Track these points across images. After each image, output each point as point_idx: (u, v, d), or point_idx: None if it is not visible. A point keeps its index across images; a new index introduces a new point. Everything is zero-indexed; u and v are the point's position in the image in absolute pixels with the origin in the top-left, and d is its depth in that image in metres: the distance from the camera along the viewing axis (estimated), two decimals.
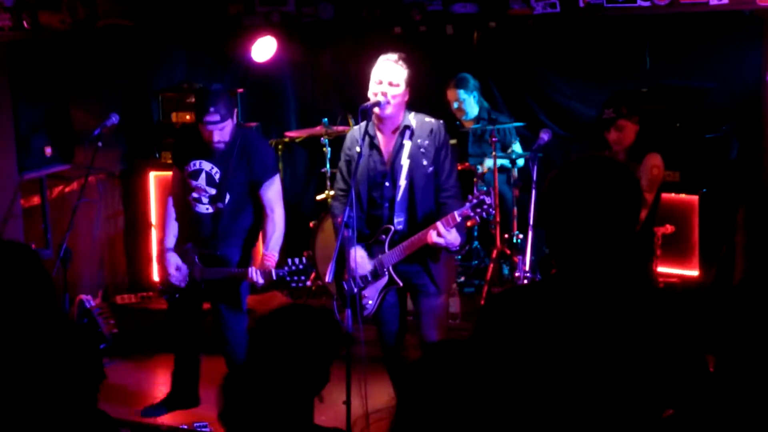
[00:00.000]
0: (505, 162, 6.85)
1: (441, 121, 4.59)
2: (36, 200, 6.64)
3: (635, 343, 2.21)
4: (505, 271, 6.80)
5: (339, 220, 4.53)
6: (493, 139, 6.57)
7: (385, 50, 7.35)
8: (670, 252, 5.84)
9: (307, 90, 8.01)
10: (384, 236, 4.53)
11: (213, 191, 4.98)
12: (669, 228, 5.47)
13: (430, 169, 4.50)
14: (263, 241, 5.11)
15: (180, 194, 5.14)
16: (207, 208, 5.01)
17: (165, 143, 7.12)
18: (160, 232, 5.24)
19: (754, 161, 6.44)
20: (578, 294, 2.24)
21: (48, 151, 6.45)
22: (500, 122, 6.83)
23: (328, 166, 7.00)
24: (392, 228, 4.52)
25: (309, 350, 2.43)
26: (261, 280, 4.92)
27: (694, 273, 6.15)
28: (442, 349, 2.14)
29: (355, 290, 4.49)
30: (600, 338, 2.21)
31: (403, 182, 4.48)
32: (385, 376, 4.73)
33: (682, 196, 6.11)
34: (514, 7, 6.10)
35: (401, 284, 4.53)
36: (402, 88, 4.46)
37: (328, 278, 4.54)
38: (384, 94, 4.41)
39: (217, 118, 4.84)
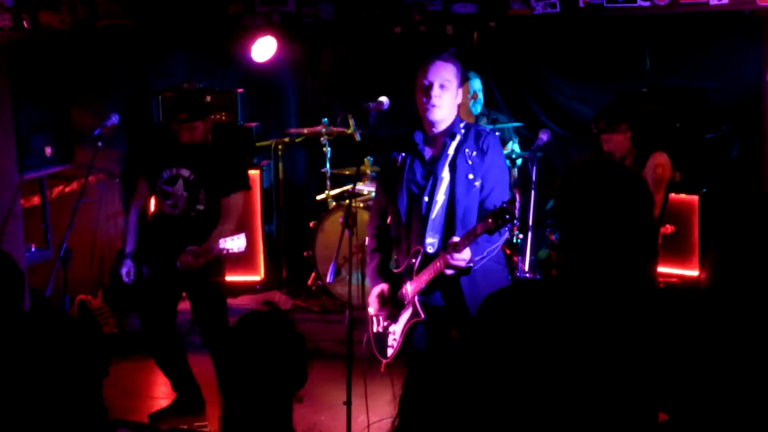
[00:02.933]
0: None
1: (493, 130, 4.24)
2: (36, 200, 6.63)
3: (635, 345, 2.20)
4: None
5: (340, 220, 4.46)
6: None
7: (385, 50, 7.47)
8: (670, 252, 5.84)
9: (307, 90, 8.01)
10: (414, 260, 4.00)
11: (191, 195, 4.99)
12: (669, 228, 5.47)
13: (477, 183, 3.96)
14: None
15: (146, 204, 5.24)
16: (185, 213, 5.02)
17: None
18: (124, 239, 5.23)
19: (754, 161, 6.44)
20: (583, 294, 2.24)
21: (48, 151, 6.44)
22: (500, 122, 6.83)
23: (328, 166, 7.00)
24: (422, 250, 3.98)
25: (272, 359, 2.45)
26: (191, 258, 4.86)
27: (694, 273, 6.15)
28: (443, 348, 2.14)
29: (380, 329, 4.21)
30: (601, 338, 2.21)
31: (441, 197, 3.96)
32: (385, 376, 4.72)
33: (682, 196, 6.12)
34: (514, 7, 6.10)
35: (423, 317, 3.99)
36: (454, 88, 3.98)
37: (328, 279, 4.42)
38: (434, 97, 3.94)
39: (184, 116, 4.96)
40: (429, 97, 3.95)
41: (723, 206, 2.69)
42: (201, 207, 5.00)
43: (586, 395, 2.21)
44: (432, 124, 4.02)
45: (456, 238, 3.82)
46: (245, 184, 5.15)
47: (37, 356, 2.29)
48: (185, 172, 5.02)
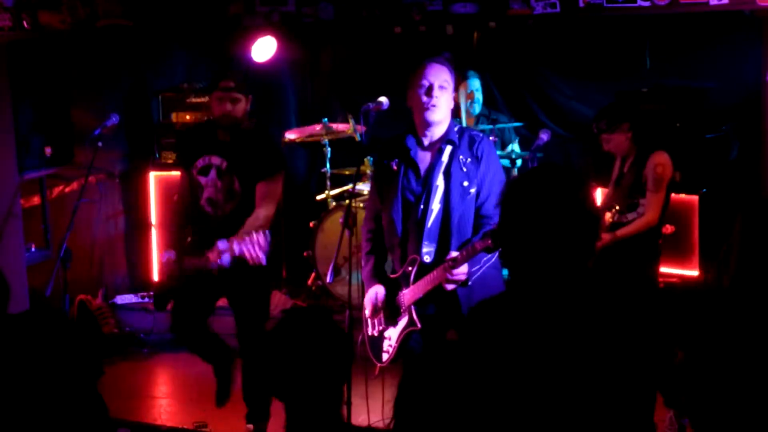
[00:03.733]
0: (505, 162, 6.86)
1: (488, 136, 4.28)
2: (36, 200, 6.63)
3: (601, 346, 2.21)
4: (505, 272, 6.80)
5: (340, 220, 4.44)
6: (493, 138, 6.58)
7: (385, 50, 7.46)
8: (670, 252, 5.84)
9: (307, 90, 8.01)
10: (410, 268, 3.96)
11: (225, 185, 4.71)
12: (669, 228, 5.48)
13: (472, 191, 3.90)
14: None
15: (188, 196, 4.86)
16: (223, 207, 4.72)
17: (165, 143, 7.13)
18: (166, 235, 4.95)
19: (754, 161, 6.44)
20: (541, 301, 2.24)
21: (48, 151, 6.44)
22: (500, 122, 6.83)
23: (328, 166, 6.99)
24: (418, 259, 3.94)
25: (320, 351, 2.44)
26: (218, 259, 4.34)
27: (694, 273, 6.15)
28: (438, 351, 2.16)
29: (375, 332, 4.16)
30: (567, 344, 2.21)
31: (436, 206, 3.90)
32: (385, 376, 4.72)
33: (682, 196, 6.11)
34: (514, 7, 6.10)
35: (419, 326, 3.96)
36: (450, 91, 3.98)
37: (328, 279, 4.41)
38: (435, 98, 3.91)
39: (231, 84, 4.68)
40: (431, 96, 3.92)
41: (743, 207, 2.70)
42: (238, 198, 4.70)
43: (569, 396, 2.19)
44: (429, 125, 3.97)
45: (454, 253, 3.80)
46: (283, 164, 4.85)
47: (29, 356, 2.30)
48: (216, 160, 4.74)
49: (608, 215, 5.13)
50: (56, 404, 2.31)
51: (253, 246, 4.22)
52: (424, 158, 4.01)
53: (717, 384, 2.59)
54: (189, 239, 4.81)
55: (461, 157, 3.92)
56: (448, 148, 3.95)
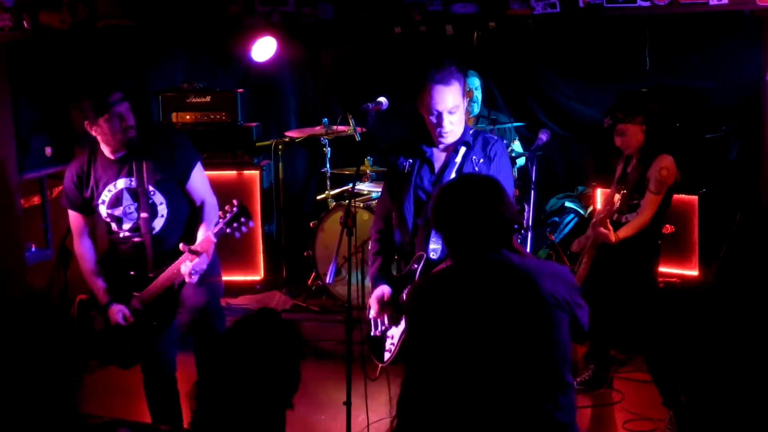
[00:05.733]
0: None
1: (502, 139, 4.20)
2: (36, 200, 6.64)
3: (505, 300, 2.79)
4: None
5: (340, 220, 4.42)
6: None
7: (385, 50, 7.46)
8: (670, 252, 5.84)
9: (307, 90, 8.01)
10: (416, 265, 4.00)
11: (145, 203, 4.23)
12: (669, 228, 5.47)
13: None
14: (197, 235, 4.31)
15: (92, 234, 4.41)
16: (152, 226, 4.28)
17: None
18: (93, 284, 4.41)
19: (753, 161, 6.44)
20: (466, 277, 2.84)
21: (48, 151, 6.45)
22: (500, 122, 6.83)
23: (328, 166, 6.99)
24: (424, 256, 3.97)
25: (266, 361, 2.43)
26: (193, 279, 4.21)
27: (694, 273, 6.15)
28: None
29: (377, 333, 4.14)
30: (484, 300, 2.80)
31: None
32: (385, 377, 4.72)
33: (682, 196, 6.11)
34: (514, 7, 6.11)
35: None
36: (462, 104, 3.98)
37: (328, 279, 4.41)
38: (445, 126, 3.95)
39: (119, 96, 4.19)
40: (441, 126, 3.96)
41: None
42: (164, 213, 4.28)
43: (487, 328, 2.76)
44: (443, 143, 4.04)
45: None
46: (196, 156, 4.38)
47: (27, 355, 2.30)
48: (123, 183, 4.26)
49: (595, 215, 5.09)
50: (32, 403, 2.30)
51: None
52: (440, 157, 4.07)
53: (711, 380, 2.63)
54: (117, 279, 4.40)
55: (474, 157, 3.99)
56: (463, 149, 4.01)
